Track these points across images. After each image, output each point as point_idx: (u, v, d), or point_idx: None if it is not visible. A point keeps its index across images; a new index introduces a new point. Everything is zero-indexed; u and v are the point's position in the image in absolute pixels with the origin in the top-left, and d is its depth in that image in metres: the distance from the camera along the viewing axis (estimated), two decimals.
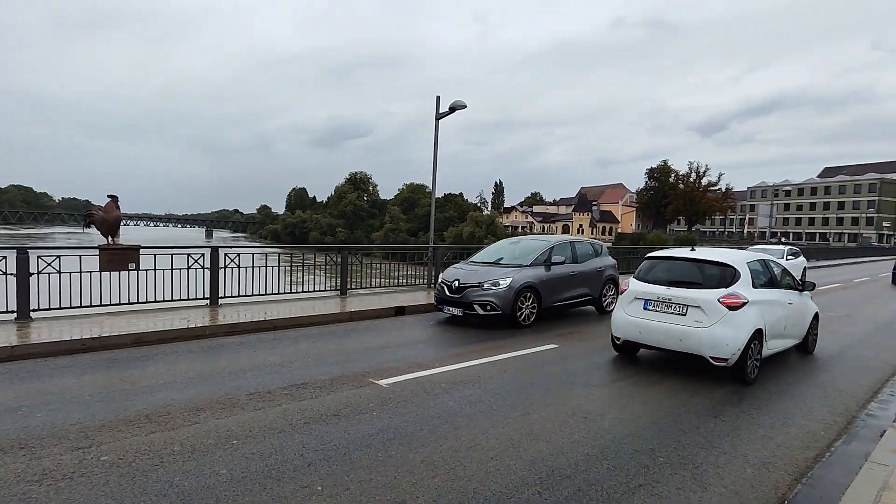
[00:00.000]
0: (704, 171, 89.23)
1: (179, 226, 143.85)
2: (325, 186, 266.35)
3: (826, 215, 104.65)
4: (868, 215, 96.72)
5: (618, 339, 7.11)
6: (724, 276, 6.43)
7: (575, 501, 3.40)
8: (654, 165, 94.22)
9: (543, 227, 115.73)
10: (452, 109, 13.69)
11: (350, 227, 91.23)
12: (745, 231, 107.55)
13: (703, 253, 6.89)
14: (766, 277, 6.90)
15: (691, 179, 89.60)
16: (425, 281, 13.64)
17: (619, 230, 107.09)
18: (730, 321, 6.04)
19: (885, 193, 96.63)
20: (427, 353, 7.13)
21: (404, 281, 13.31)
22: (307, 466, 3.73)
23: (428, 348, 7.47)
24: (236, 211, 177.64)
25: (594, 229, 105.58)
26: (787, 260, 17.91)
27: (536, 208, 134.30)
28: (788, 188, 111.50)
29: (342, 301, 10.85)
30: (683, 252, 7.08)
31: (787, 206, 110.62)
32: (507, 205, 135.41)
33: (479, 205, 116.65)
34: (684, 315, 6.28)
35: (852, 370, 7.11)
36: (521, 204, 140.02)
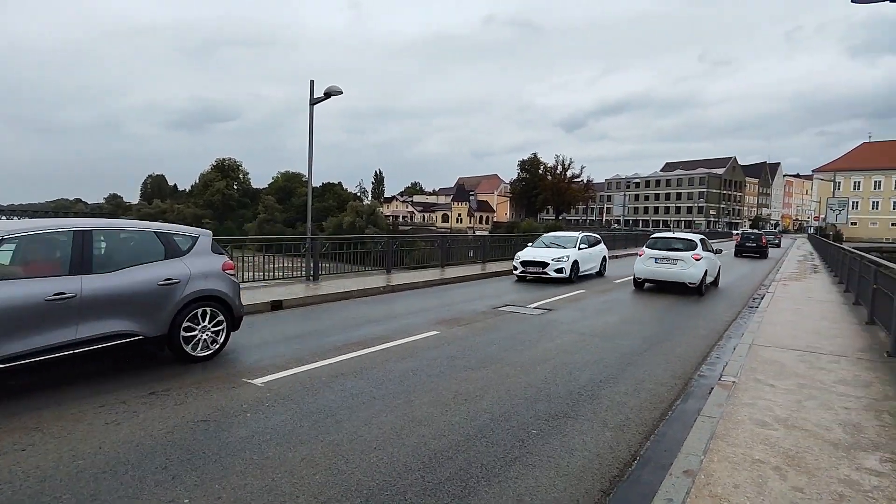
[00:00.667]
0: (569, 165, 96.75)
1: (4, 217, 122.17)
2: (189, 174, 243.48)
3: (668, 205, 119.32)
4: (699, 205, 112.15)
5: (638, 279, 14.16)
6: (691, 245, 13.59)
7: (457, 480, 3.51)
8: (525, 158, 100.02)
9: (424, 216, 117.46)
10: (328, 95, 13.24)
11: (219, 217, 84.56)
12: (604, 219, 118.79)
13: (678, 234, 15.01)
14: (706, 246, 14.16)
15: (558, 172, 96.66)
16: (303, 273, 13.13)
17: (495, 219, 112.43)
18: (696, 266, 13.10)
19: (712, 186, 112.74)
20: (307, 348, 6.87)
21: (281, 274, 12.68)
22: (171, 480, 3.40)
23: (308, 342, 7.20)
24: (78, 200, 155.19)
25: (472, 218, 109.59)
26: (578, 249, 15.64)
27: (417, 198, 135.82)
28: (638, 180, 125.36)
29: None
30: (670, 234, 15.14)
31: (636, 197, 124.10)
32: (387, 195, 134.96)
33: (359, 195, 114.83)
34: (675, 264, 13.33)
35: (688, 338, 8.22)
36: (401, 194, 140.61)
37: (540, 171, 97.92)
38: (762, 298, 12.52)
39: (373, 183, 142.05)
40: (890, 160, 78.73)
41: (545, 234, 17.67)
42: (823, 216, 57.02)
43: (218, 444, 3.93)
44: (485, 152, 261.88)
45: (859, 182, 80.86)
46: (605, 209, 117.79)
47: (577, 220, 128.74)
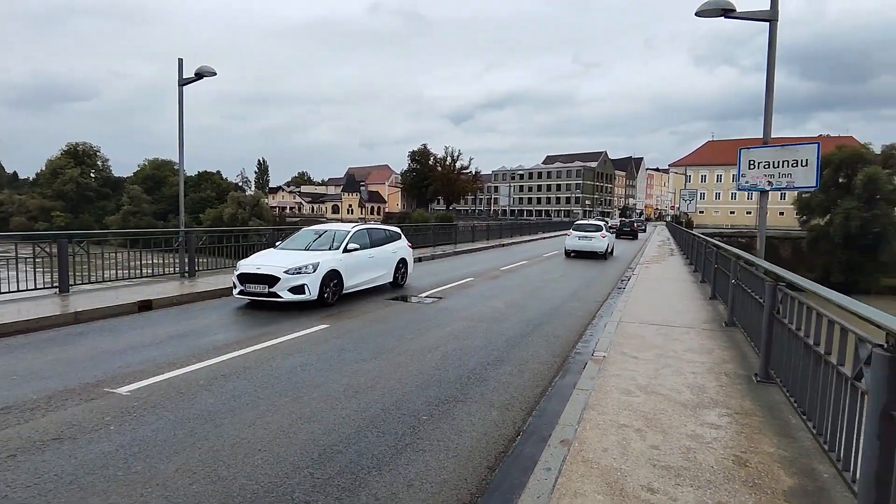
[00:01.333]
0: (458, 156, 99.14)
1: None
2: (34, 160, 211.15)
3: (549, 195, 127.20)
4: (576, 195, 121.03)
5: (569, 251, 21.46)
6: (599, 228, 22.18)
7: (347, 473, 3.47)
8: (416, 149, 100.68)
9: (313, 207, 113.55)
10: (199, 76, 12.21)
11: (73, 210, 74.65)
12: (492, 210, 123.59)
13: (592, 221, 24.50)
14: (607, 228, 24.28)
15: (448, 163, 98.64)
16: (177, 270, 12.07)
17: (387, 209, 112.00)
18: (602, 241, 21.37)
19: (587, 178, 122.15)
20: (181, 350, 6.34)
21: (151, 271, 11.55)
22: None
23: (183, 344, 6.65)
24: None
25: (363, 209, 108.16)
26: (344, 251, 10.22)
27: (305, 188, 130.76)
28: (522, 172, 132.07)
29: (63, 300, 8.85)
30: (588, 220, 24.90)
31: (521, 188, 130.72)
32: (273, 185, 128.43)
33: (241, 184, 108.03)
34: (591, 240, 21.24)
35: (566, 319, 8.87)
36: (287, 184, 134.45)
37: (430, 162, 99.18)
38: (628, 280, 13.88)
39: (256, 172, 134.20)
40: (729, 157, 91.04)
41: (305, 229, 12.05)
42: (677, 206, 64.34)
43: (74, 464, 3.50)
44: (375, 142, 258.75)
45: (705, 175, 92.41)
46: (492, 200, 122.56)
47: (467, 210, 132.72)
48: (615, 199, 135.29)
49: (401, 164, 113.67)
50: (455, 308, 9.49)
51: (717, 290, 10.26)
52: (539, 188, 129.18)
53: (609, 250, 22.13)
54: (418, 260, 18.53)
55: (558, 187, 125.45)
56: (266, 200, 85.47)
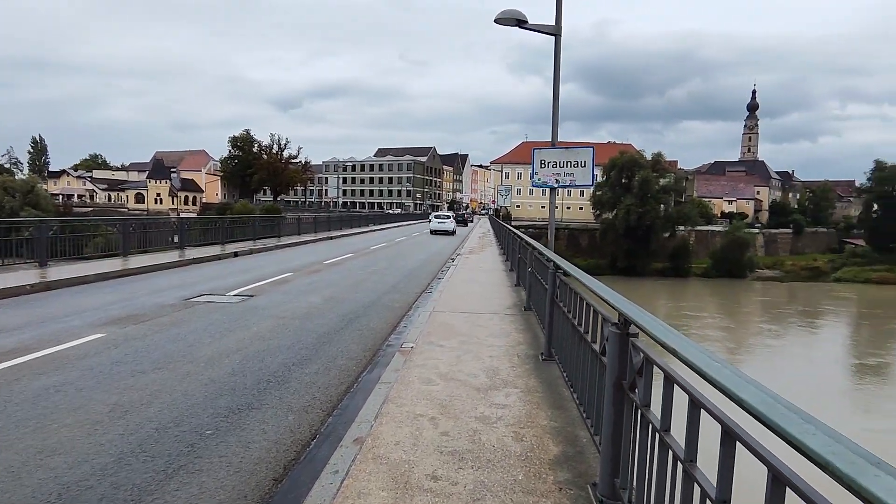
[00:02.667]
0: (285, 144, 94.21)
1: None
2: None
3: (381, 188, 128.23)
4: (407, 189, 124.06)
5: (432, 231, 35.54)
6: (449, 216, 40.06)
7: None
8: (238, 134, 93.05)
9: (111, 196, 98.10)
10: None
11: None
12: (323, 201, 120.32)
13: (445, 212, 50.08)
14: (455, 215, 47.59)
15: (274, 151, 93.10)
16: None
17: (205, 200, 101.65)
18: (451, 223, 37.29)
19: (417, 172, 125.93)
20: None
21: None
22: None
23: None
24: None
25: (175, 199, 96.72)
26: None
27: (99, 174, 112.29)
28: (354, 164, 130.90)
29: None
30: (443, 212, 52.82)
31: (353, 180, 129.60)
32: (55, 168, 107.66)
33: (8, 166, 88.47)
34: (444, 223, 36.50)
35: (383, 311, 8.90)
36: (76, 167, 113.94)
37: (254, 150, 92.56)
38: (448, 271, 14.56)
39: (31, 152, 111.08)
40: None
41: None
42: (496, 200, 69.80)
43: None
44: (190, 125, 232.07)
45: (521, 173, 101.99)
46: (323, 191, 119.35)
47: (297, 202, 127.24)
48: (443, 192, 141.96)
49: (221, 150, 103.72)
50: (266, 306, 8.88)
51: (521, 277, 11.27)
52: (371, 180, 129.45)
53: (453, 230, 37.03)
54: (234, 255, 17.10)
55: (390, 180, 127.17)
56: (44, 186, 71.17)
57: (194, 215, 62.22)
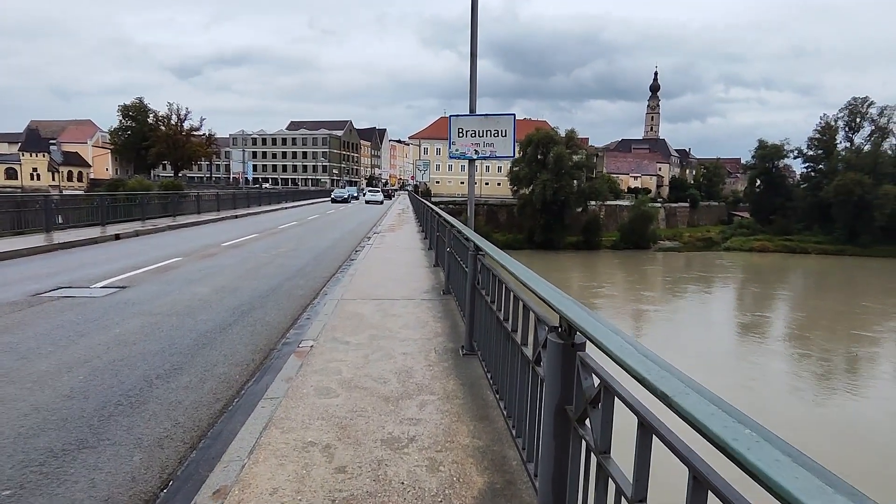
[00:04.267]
0: (186, 115, 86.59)
1: None
2: None
3: (294, 163, 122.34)
4: (323, 164, 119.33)
5: (367, 201, 48.80)
6: (378, 190, 59.04)
7: None
8: (129, 103, 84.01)
9: None
10: None
11: None
12: (231, 177, 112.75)
13: (376, 187, 67.41)
14: (382, 190, 64.03)
15: (173, 122, 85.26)
16: None
17: (93, 175, 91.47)
18: (381, 195, 52.17)
19: (333, 147, 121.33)
20: None
21: None
22: None
23: None
24: None
25: (57, 174, 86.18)
26: None
27: None
28: (264, 137, 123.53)
29: None
30: (374, 187, 68.69)
31: (264, 154, 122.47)
32: None
33: None
34: (376, 195, 50.83)
35: (284, 301, 7.81)
36: None
37: (150, 120, 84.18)
38: (363, 251, 13.54)
39: None
40: None
41: None
42: (415, 176, 68.87)
43: None
44: (72, 91, 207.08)
45: (440, 149, 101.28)
46: (231, 165, 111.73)
47: (201, 177, 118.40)
48: (362, 168, 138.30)
49: (110, 120, 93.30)
50: (139, 300, 7.47)
51: (440, 256, 10.55)
52: (284, 155, 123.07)
53: (381, 201, 48.33)
54: (116, 238, 14.97)
55: (304, 155, 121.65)
56: None
57: (81, 192, 55.65)
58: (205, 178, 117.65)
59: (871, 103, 70.50)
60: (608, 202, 67.93)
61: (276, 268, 10.73)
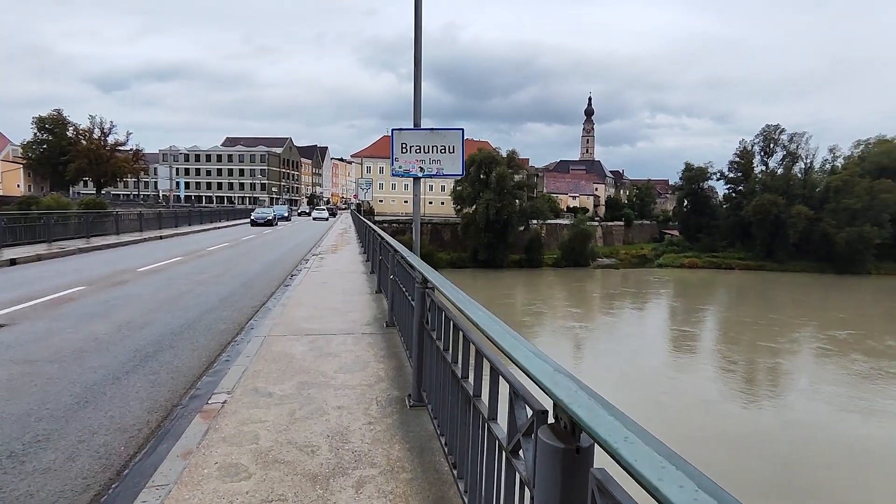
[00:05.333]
0: (110, 129, 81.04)
1: None
2: None
3: (231, 181, 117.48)
4: (262, 182, 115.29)
5: (314, 218, 57.88)
6: (324, 209, 68.05)
7: None
8: (46, 115, 77.66)
9: None
10: None
11: None
12: (161, 194, 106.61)
13: (322, 206, 79.51)
14: (328, 208, 77.82)
15: (96, 136, 79.51)
16: None
17: (1, 192, 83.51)
18: (326, 213, 63.22)
19: (272, 164, 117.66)
20: None
21: None
22: None
23: None
24: None
25: None
26: None
27: None
28: (198, 153, 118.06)
29: None
30: (319, 206, 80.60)
31: (198, 171, 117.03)
32: None
33: None
34: (323, 213, 61.26)
35: (200, 339, 6.73)
36: None
37: (69, 134, 78.02)
38: (298, 275, 12.48)
39: None
40: None
41: None
42: (357, 194, 67.83)
43: None
44: None
45: (383, 167, 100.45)
46: (158, 183, 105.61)
47: (128, 195, 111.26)
48: (302, 186, 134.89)
49: (23, 132, 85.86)
50: (16, 342, 6.17)
51: (382, 282, 9.73)
52: (219, 172, 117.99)
53: (327, 218, 51.23)
54: (11, 263, 13.14)
55: (241, 172, 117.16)
56: None
57: None
58: (131, 196, 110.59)
59: (783, 130, 76.56)
60: (549, 221, 69.26)
61: (196, 297, 9.51)
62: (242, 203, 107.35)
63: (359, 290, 10.36)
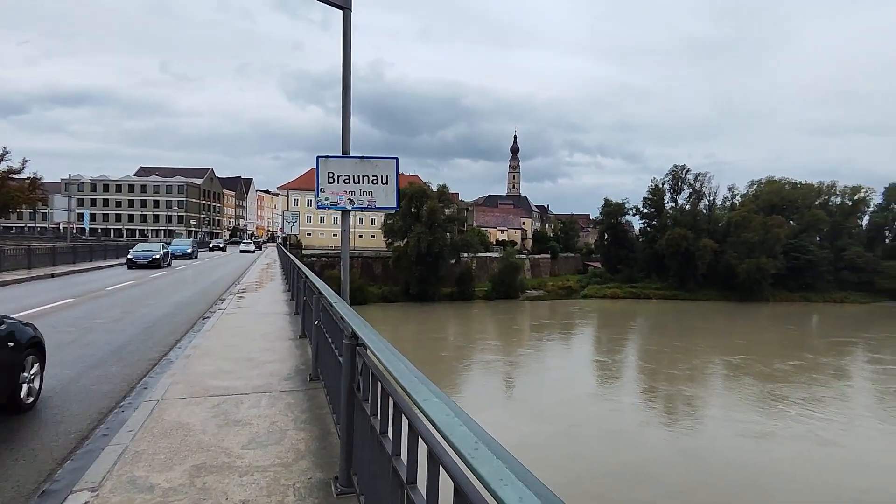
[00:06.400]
0: (2, 155, 73.45)
1: None
2: None
3: (144, 212, 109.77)
4: (179, 213, 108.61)
5: (241, 251, 56.98)
6: (252, 242, 72.60)
7: None
8: None
9: None
10: None
11: None
12: (62, 226, 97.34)
13: (249, 240, 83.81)
14: (254, 241, 78.46)
15: None
16: None
17: None
18: (252, 246, 63.91)
19: (191, 195, 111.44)
20: None
21: None
22: None
23: None
24: None
25: None
26: None
27: None
28: (107, 182, 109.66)
29: None
30: (247, 241, 76.25)
31: (106, 202, 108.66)
32: None
33: None
34: (250, 246, 61.65)
35: (74, 407, 5.46)
36: None
37: None
38: (212, 317, 11.14)
39: None
40: None
41: None
42: (283, 227, 65.19)
43: None
44: None
45: (311, 199, 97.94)
46: (55, 214, 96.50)
47: (24, 227, 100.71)
48: (224, 218, 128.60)
49: None
50: None
51: (307, 326, 8.76)
52: (131, 203, 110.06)
53: (253, 250, 46.69)
54: None
55: (156, 203, 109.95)
56: None
57: None
58: (27, 228, 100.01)
59: (688, 170, 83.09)
60: (479, 254, 69.99)
61: (81, 349, 8.04)
62: (157, 236, 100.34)
63: (280, 335, 9.28)
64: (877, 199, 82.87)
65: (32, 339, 5.47)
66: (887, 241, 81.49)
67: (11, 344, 5.02)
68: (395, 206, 6.02)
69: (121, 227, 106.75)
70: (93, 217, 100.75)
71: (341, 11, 5.99)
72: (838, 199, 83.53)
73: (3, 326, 5.03)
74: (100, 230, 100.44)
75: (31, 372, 5.33)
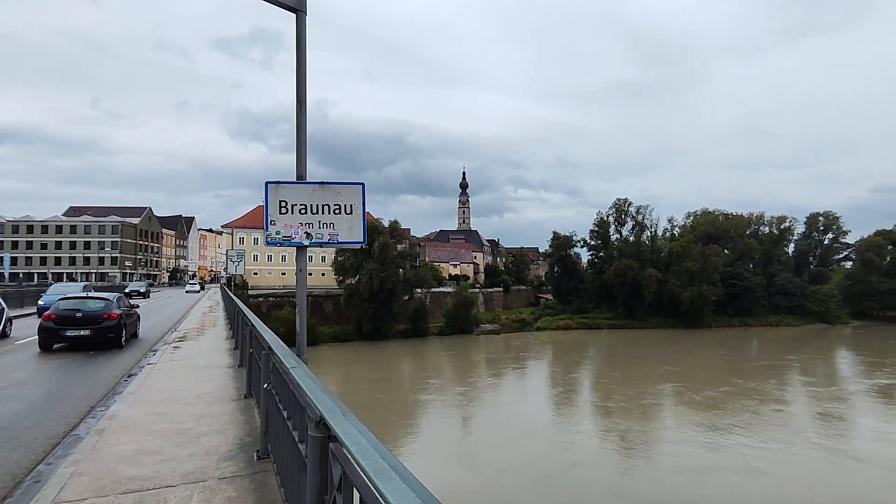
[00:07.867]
0: None
1: None
2: None
3: (74, 254, 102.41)
4: (113, 255, 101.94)
5: (187, 291, 61.09)
6: (196, 283, 75.53)
7: None
8: None
9: None
10: None
11: None
12: None
13: (195, 280, 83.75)
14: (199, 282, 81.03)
15: None
16: None
17: None
18: (197, 286, 68.79)
19: (126, 235, 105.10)
20: None
21: None
22: None
23: None
24: None
25: None
26: None
27: None
28: (31, 223, 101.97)
29: None
30: (193, 280, 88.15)
31: (30, 244, 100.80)
32: None
33: None
34: (195, 286, 65.60)
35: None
36: None
37: None
38: (137, 375, 9.55)
39: None
40: None
41: None
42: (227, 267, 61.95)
43: None
44: None
45: (257, 238, 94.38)
46: None
47: None
48: (164, 259, 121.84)
49: None
50: None
51: (254, 383, 7.47)
52: (58, 245, 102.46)
53: (198, 290, 47.48)
54: None
55: (87, 245, 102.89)
56: None
57: None
58: None
59: (630, 203, 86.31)
60: (433, 289, 68.96)
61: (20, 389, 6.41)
62: (87, 278, 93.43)
63: (220, 395, 7.91)
64: (800, 228, 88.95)
65: None
66: (812, 266, 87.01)
67: None
68: (361, 240, 5.05)
69: (46, 269, 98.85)
70: (13, 261, 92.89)
71: (294, 15, 5.12)
72: (766, 229, 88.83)
73: None
74: (21, 274, 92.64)
75: None
